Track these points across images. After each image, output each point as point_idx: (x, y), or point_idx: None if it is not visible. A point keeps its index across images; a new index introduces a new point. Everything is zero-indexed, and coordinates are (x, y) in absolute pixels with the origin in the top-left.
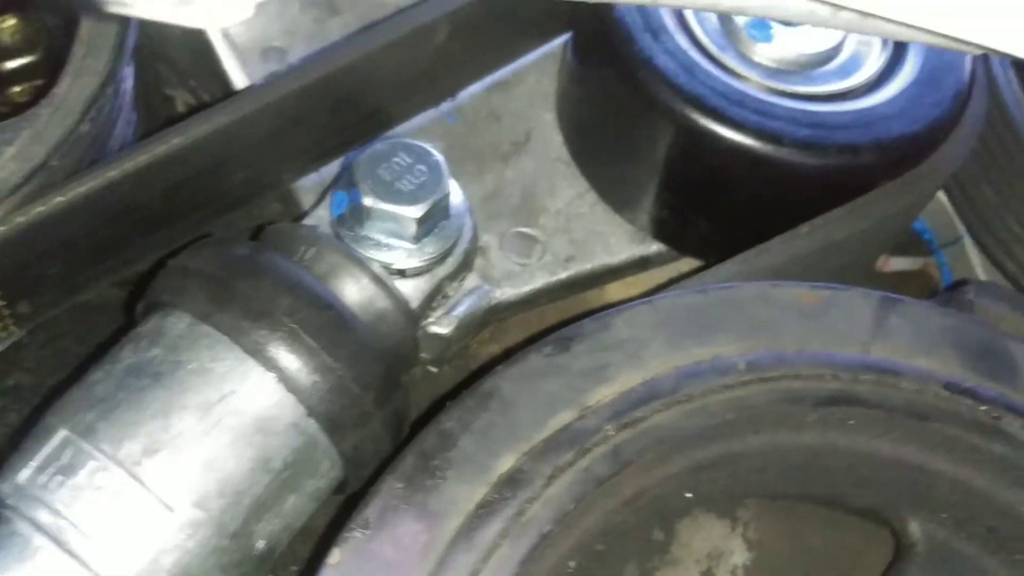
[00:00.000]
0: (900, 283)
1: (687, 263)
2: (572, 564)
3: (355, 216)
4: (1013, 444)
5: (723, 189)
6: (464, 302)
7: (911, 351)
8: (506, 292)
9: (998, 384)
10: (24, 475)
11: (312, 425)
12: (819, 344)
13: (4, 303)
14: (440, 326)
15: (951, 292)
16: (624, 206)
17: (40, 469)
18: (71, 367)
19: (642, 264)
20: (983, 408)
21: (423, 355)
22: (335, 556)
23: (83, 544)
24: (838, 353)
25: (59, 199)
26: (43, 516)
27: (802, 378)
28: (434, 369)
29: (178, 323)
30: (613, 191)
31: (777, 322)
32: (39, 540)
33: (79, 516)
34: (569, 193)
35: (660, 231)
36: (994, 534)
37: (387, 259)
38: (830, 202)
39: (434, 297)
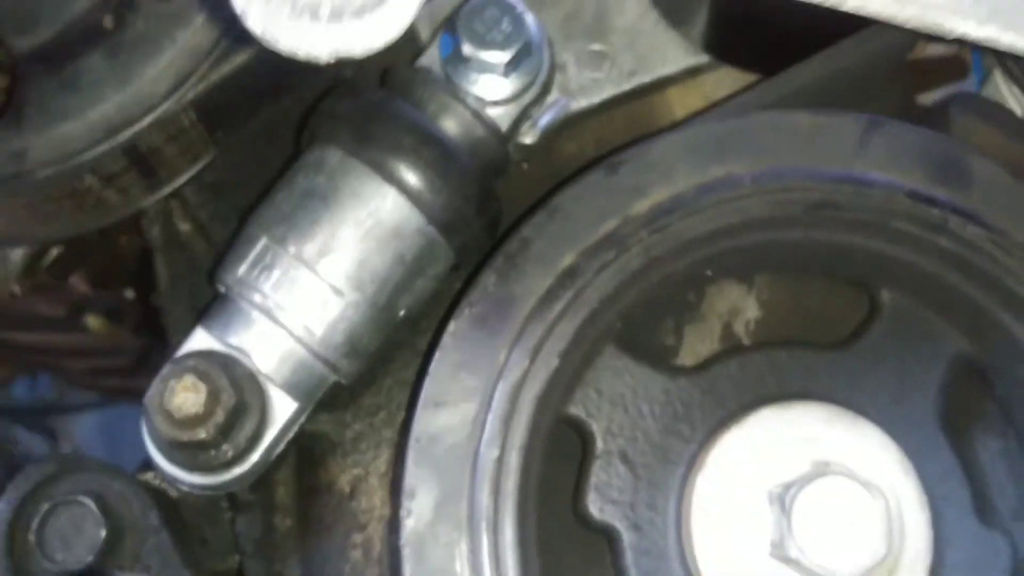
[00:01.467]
0: (934, 68)
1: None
2: (618, 325)
3: (457, 58)
4: (955, 239)
5: (765, 12)
6: (546, 115)
7: (886, 166)
8: (580, 103)
9: (951, 191)
10: (241, 270)
11: (432, 230)
12: (811, 161)
13: (208, 132)
14: (527, 137)
15: (938, 105)
16: (680, 23)
17: (252, 266)
18: (253, 172)
19: (694, 73)
20: (935, 211)
21: (516, 158)
22: (451, 326)
23: (285, 317)
24: (823, 168)
25: (242, 57)
26: (257, 298)
27: (793, 190)
28: (525, 165)
29: (332, 157)
30: (672, 10)
31: (780, 144)
32: (256, 315)
33: (281, 298)
34: (634, 12)
35: (709, 45)
36: (938, 301)
37: (482, 93)
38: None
39: (521, 120)
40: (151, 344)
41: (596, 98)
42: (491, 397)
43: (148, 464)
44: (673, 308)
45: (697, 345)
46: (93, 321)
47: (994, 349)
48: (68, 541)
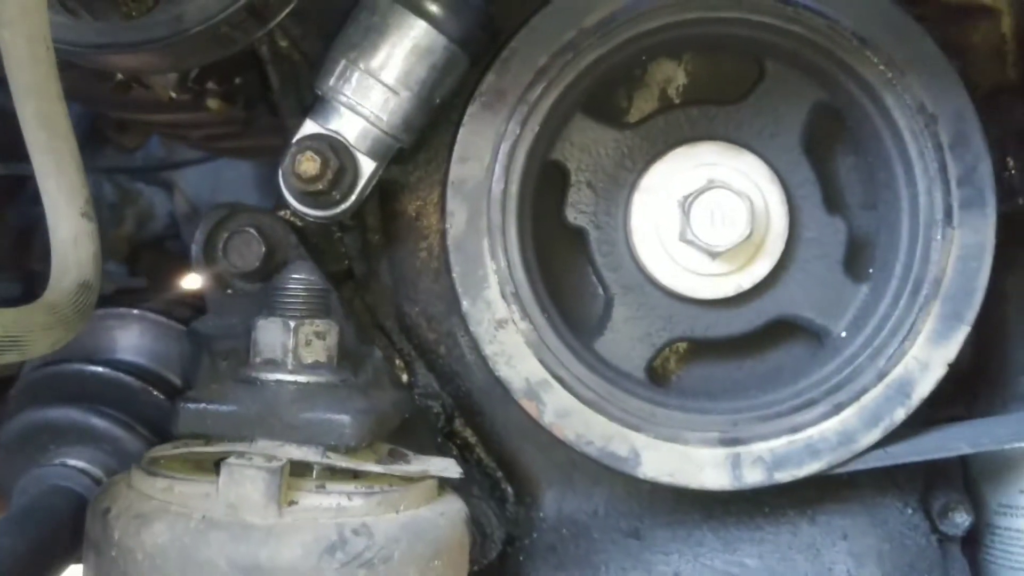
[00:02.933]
0: None
1: None
2: (583, 98)
3: None
4: (805, 26)
5: None
6: None
7: None
8: None
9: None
10: (331, 81)
11: (453, 46)
12: None
13: None
14: None
15: None
16: None
17: (337, 78)
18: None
19: None
20: (790, 8)
21: None
22: (470, 109)
23: (363, 110)
24: None
25: None
26: (343, 99)
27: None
28: None
29: (383, 2)
30: None
31: None
32: (344, 110)
33: (358, 98)
34: None
35: None
36: (801, 66)
37: None
38: None
39: None
40: (253, 115)
41: None
42: (497, 152)
43: (280, 204)
44: (624, 80)
45: (642, 105)
46: (213, 103)
47: (840, 97)
48: (242, 254)
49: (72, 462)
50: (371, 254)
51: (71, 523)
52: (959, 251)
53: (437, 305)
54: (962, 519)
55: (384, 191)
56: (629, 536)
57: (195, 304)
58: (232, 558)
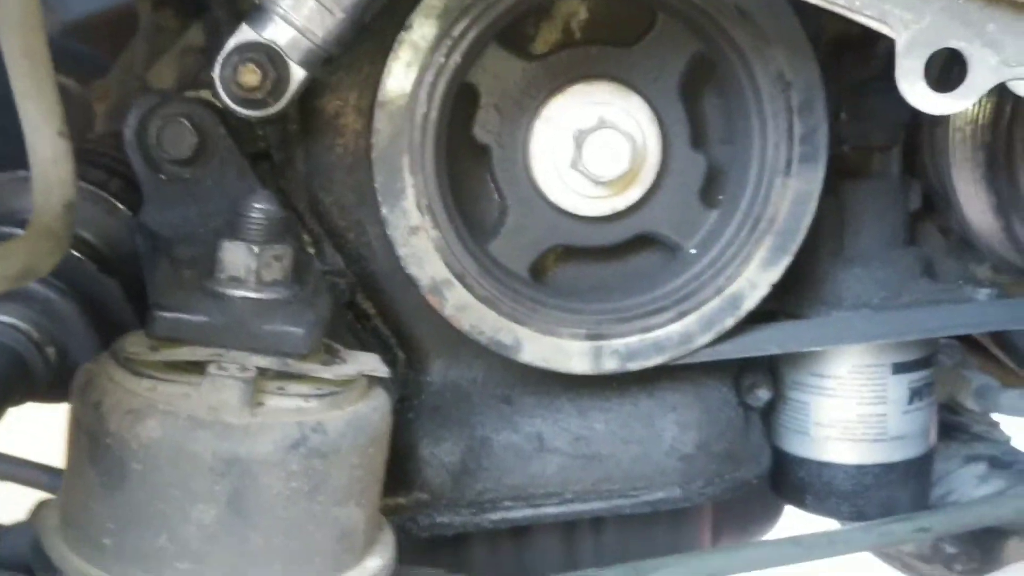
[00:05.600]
0: None
1: None
2: (498, 30)
3: None
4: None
5: None
6: None
7: None
8: None
9: None
10: None
11: None
12: None
13: None
14: None
15: None
16: None
17: None
18: None
19: None
20: None
21: None
22: (402, 36)
23: (298, 23)
24: None
25: None
26: (280, 11)
27: None
28: None
29: None
30: None
31: None
32: (279, 20)
33: (295, 12)
34: None
35: None
36: (686, 20)
37: None
38: None
39: None
40: None
41: None
42: (422, 80)
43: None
44: (534, 12)
45: (547, 35)
46: None
47: (715, 52)
48: (175, 143)
49: (4, 318)
50: (288, 143)
51: (7, 374)
52: (792, 196)
53: (349, 196)
54: (764, 394)
55: (306, 88)
56: (502, 402)
57: (100, 163)
58: (216, 451)
